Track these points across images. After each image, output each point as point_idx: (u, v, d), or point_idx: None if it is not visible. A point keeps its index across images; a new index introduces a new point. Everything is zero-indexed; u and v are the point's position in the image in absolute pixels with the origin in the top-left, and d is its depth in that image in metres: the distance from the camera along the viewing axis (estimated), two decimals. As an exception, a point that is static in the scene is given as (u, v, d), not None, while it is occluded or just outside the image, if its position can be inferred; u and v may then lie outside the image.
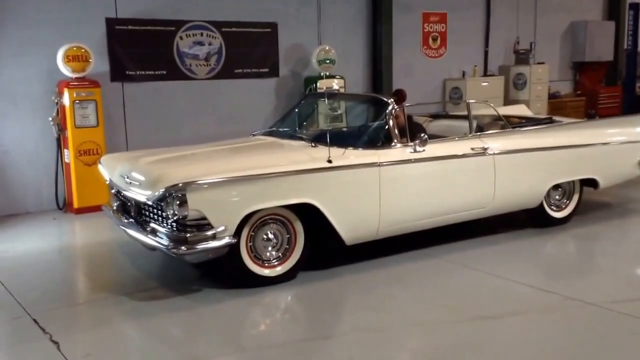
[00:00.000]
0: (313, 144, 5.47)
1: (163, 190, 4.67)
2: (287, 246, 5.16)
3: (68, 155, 7.63)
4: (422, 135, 5.58)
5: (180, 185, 4.62)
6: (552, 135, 6.47)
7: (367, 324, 4.39)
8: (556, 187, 6.55)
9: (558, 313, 4.52)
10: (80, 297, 4.98)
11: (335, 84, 9.42)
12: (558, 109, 12.36)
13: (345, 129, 6.58)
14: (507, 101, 11.65)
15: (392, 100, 5.70)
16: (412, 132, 5.77)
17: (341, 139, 5.63)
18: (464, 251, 5.88)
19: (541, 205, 6.43)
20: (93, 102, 7.62)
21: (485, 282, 5.15)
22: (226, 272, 5.16)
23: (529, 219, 6.60)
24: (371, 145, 5.53)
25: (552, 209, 6.57)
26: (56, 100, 7.61)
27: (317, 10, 9.76)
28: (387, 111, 5.61)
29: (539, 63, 12.12)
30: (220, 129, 8.72)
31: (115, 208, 5.62)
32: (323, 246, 5.43)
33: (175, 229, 4.79)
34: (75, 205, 7.60)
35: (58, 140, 7.72)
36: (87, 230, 7.11)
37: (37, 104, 7.72)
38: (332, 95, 7.65)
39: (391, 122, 5.58)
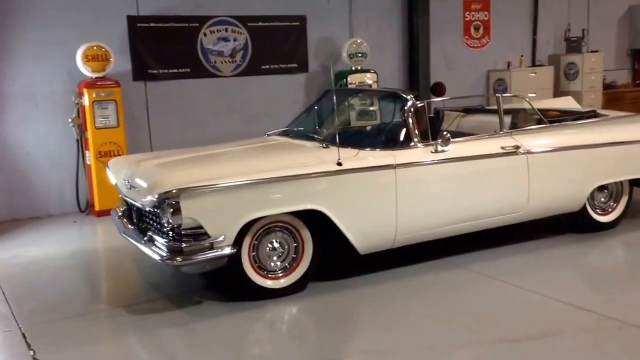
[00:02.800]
0: (324, 145, 5.05)
1: (156, 197, 4.36)
2: (294, 256, 4.77)
3: (89, 157, 7.47)
4: (445, 133, 5.09)
5: (173, 191, 4.30)
6: (596, 130, 5.86)
7: (375, 345, 3.96)
8: (601, 188, 5.93)
9: (594, 335, 3.97)
10: (77, 309, 4.72)
11: (368, 79, 8.98)
12: (614, 100, 11.52)
13: (359, 128, 6.13)
14: (558, 93, 10.91)
15: (412, 95, 5.23)
16: (435, 130, 5.30)
17: (355, 139, 5.24)
18: (493, 260, 5.35)
19: (584, 208, 5.82)
20: (113, 102, 7.42)
21: (514, 297, 4.62)
22: (229, 283, 4.82)
23: (571, 224, 5.99)
24: (387, 145, 5.09)
25: (596, 213, 5.95)
26: (76, 101, 7.45)
27: (348, 2, 9.31)
28: (406, 108, 5.14)
29: (592, 51, 11.29)
30: (247, 127, 8.39)
31: (120, 213, 5.38)
32: (336, 254, 5.03)
33: (171, 238, 4.48)
34: (97, 207, 7.44)
35: (79, 141, 7.57)
36: (105, 234, 6.92)
37: (58, 105, 7.59)
38: (351, 91, 7.21)
39: (410, 120, 5.10)
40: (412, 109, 5.13)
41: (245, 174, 4.50)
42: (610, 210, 6.02)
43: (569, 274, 5.11)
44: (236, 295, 4.71)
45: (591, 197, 5.86)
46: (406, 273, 5.12)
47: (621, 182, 5.99)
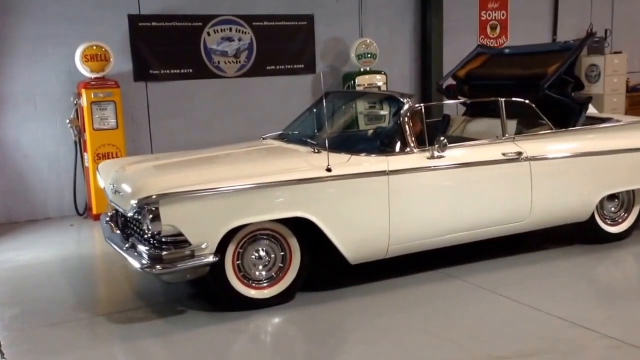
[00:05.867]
0: (316, 150, 4.85)
1: (136, 202, 4.21)
2: (281, 265, 4.58)
3: (87, 159, 7.37)
4: (442, 138, 4.85)
5: (153, 197, 4.14)
6: (605, 136, 5.57)
7: (358, 361, 3.77)
8: (611, 197, 5.63)
9: (588, 355, 3.73)
10: (59, 316, 4.57)
11: (378, 80, 8.75)
12: (638, 103, 11.10)
13: (354, 132, 5.92)
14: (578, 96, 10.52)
15: (409, 99, 5.00)
16: (439, 134, 5.07)
17: (347, 144, 5.05)
18: (493, 272, 5.10)
19: (592, 218, 5.53)
20: (112, 103, 7.29)
21: (510, 311, 4.37)
22: (213, 292, 4.64)
23: (579, 234, 5.71)
24: (381, 150, 4.87)
25: (606, 223, 5.66)
26: (75, 102, 7.35)
27: (358, 0, 9.09)
28: (402, 112, 4.92)
29: (615, 52, 10.88)
30: (252, 129, 8.17)
31: (108, 218, 5.25)
32: (327, 263, 4.83)
33: (152, 245, 4.31)
34: (94, 211, 7.33)
35: (77, 143, 7.47)
36: (100, 238, 6.64)
37: (57, 105, 7.49)
38: (349, 94, 7.00)
39: (405, 124, 4.88)
40: (407, 113, 4.91)
41: (229, 179, 4.32)
42: (620, 220, 5.72)
43: (571, 288, 4.82)
44: (221, 306, 4.53)
45: (600, 207, 5.58)
46: (399, 284, 4.90)
47: (633, 191, 5.69)
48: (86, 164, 7.42)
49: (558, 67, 5.60)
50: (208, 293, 4.75)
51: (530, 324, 4.14)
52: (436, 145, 4.84)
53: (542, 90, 5.49)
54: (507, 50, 6.82)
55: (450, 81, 8.02)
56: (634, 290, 4.87)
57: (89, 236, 6.97)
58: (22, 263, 5.92)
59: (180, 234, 4.19)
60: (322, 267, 4.90)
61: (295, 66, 8.77)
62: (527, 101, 5.38)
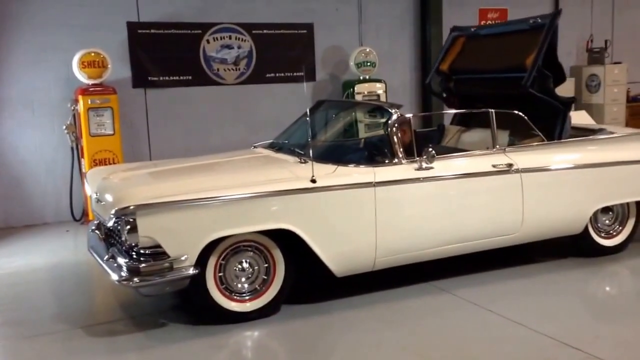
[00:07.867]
0: (302, 160, 4.79)
1: (114, 213, 4.17)
2: (265, 277, 4.52)
3: (84, 165, 7.37)
4: (430, 150, 4.77)
5: (131, 208, 4.09)
6: (599, 148, 5.47)
7: (336, 378, 3.69)
8: (606, 210, 5.53)
9: (573, 377, 3.63)
10: (37, 328, 4.49)
11: (378, 89, 8.70)
12: (638, 113, 10.98)
13: (341, 143, 5.85)
14: (579, 106, 10.41)
15: (397, 110, 4.94)
16: (426, 145, 5.00)
17: (334, 154, 4.99)
18: (483, 286, 5.01)
19: (586, 231, 5.43)
20: (109, 109, 7.30)
21: (497, 328, 4.27)
22: (193, 305, 4.59)
23: (573, 247, 5.61)
24: (368, 161, 4.83)
25: (600, 236, 5.55)
26: (72, 108, 7.36)
27: (358, 9, 9.05)
28: (390, 122, 4.86)
29: (615, 62, 10.77)
30: (252, 136, 8.10)
31: (94, 227, 5.21)
32: (315, 274, 4.77)
33: (130, 257, 4.25)
34: (90, 217, 7.31)
35: (73, 149, 7.47)
36: (93, 245, 6.77)
37: (55, 111, 7.52)
38: (341, 103, 6.94)
39: (393, 135, 4.81)
40: (395, 124, 4.84)
41: (210, 190, 4.27)
42: (615, 233, 5.61)
43: (562, 303, 4.71)
44: (203, 319, 4.47)
45: (594, 219, 5.48)
46: (387, 297, 4.82)
47: (627, 204, 5.58)
48: (83, 170, 7.41)
49: (535, 56, 5.50)
50: (191, 304, 4.71)
51: (517, 343, 4.04)
52: (424, 157, 4.77)
53: (525, 90, 5.41)
54: (481, 32, 6.68)
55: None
56: (626, 307, 4.72)
57: (84, 243, 6.91)
58: (12, 270, 5.91)
59: (159, 246, 4.14)
60: (310, 278, 4.83)
61: (294, 74, 8.74)
62: (519, 112, 5.30)
